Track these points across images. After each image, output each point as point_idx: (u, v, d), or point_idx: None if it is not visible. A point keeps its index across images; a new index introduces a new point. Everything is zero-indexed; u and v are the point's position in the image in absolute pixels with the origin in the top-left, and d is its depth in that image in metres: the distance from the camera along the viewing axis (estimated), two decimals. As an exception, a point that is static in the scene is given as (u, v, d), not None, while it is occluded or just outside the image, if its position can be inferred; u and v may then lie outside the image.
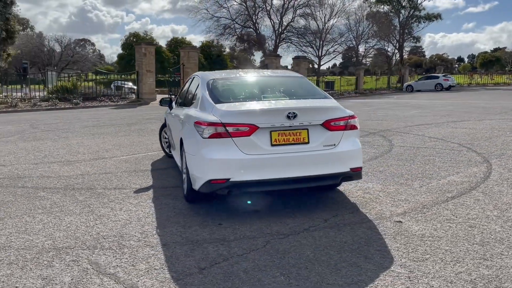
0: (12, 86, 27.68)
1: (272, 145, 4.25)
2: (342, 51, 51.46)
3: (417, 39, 55.64)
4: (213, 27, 47.20)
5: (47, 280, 3.11)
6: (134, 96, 25.92)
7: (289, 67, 46.43)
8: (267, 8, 46.70)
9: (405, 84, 39.76)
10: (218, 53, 66.44)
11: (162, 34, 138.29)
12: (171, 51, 62.47)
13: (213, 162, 4.17)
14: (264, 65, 29.47)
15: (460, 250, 3.54)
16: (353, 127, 4.60)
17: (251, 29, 48.98)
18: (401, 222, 4.25)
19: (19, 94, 23.48)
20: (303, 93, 5.10)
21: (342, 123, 4.48)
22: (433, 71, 67.31)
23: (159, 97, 28.04)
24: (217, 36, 48.29)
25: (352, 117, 4.59)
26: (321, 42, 47.13)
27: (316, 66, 51.29)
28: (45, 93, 23.89)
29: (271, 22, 47.33)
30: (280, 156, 4.24)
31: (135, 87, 25.94)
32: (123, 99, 24.74)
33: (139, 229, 4.11)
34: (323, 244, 3.70)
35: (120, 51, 66.57)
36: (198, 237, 3.91)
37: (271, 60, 29.11)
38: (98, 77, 32.76)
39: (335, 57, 49.97)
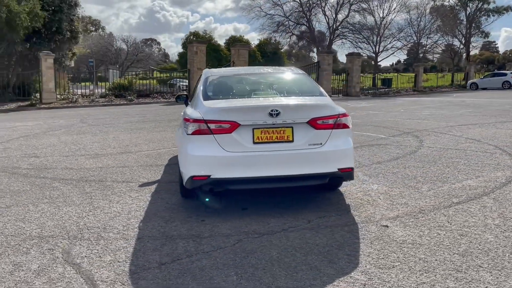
0: (83, 83, 29.56)
1: (254, 142, 4.20)
2: (402, 47, 49.47)
3: (486, 34, 52.26)
4: (266, 24, 47.39)
5: (17, 266, 3.30)
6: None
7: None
8: (322, 4, 46.03)
9: (469, 82, 37.50)
10: (274, 50, 66.62)
11: (225, 33, 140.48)
12: (229, 50, 63.44)
13: (195, 159, 4.21)
14: (316, 63, 29.07)
15: (436, 260, 3.30)
16: (344, 126, 4.43)
17: (305, 26, 48.52)
18: (387, 226, 4.04)
19: (85, 91, 25.02)
20: (297, 91, 5.00)
21: (330, 121, 4.33)
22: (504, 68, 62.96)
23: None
24: (271, 33, 48.30)
25: (343, 115, 4.42)
26: (378, 38, 45.68)
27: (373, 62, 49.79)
28: (104, 90, 25.24)
29: (325, 18, 46.64)
30: (263, 154, 4.19)
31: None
32: (174, 96, 25.48)
33: (124, 222, 4.24)
34: (293, 245, 3.61)
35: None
36: (175, 232, 3.96)
37: (323, 57, 28.63)
38: (160, 75, 33.87)
39: (393, 53, 48.13)
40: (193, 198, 4.88)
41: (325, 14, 46.52)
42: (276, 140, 4.23)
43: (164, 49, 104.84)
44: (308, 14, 46.66)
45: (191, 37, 70.95)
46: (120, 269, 3.23)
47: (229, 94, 4.81)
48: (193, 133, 4.22)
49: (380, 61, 49.24)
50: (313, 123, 4.28)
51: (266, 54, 65.33)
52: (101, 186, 5.61)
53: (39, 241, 3.79)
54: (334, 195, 5.02)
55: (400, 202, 4.74)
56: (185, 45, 69.69)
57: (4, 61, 24.88)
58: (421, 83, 35.43)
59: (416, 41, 51.46)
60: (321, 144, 4.31)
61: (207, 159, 4.17)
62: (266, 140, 4.21)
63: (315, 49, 61.71)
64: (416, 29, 49.42)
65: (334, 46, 46.01)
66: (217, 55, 49.70)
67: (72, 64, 29.14)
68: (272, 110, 4.16)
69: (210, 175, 4.16)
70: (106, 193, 5.27)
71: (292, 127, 4.25)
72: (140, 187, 5.54)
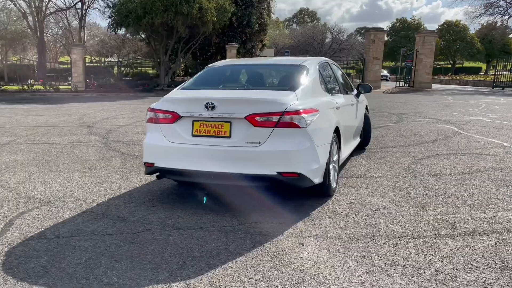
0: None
1: (193, 135, 4.10)
2: None
3: None
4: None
5: None
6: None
7: None
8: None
9: None
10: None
11: (454, 17, 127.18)
12: (440, 36, 57.84)
13: (145, 146, 4.37)
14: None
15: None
16: (292, 125, 3.89)
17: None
18: (302, 244, 3.45)
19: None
20: (272, 84, 4.57)
21: (272, 118, 3.87)
22: None
23: (387, 85, 27.01)
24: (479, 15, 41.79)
25: (291, 113, 3.88)
26: None
27: None
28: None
29: None
30: (199, 147, 4.06)
31: (387, 75, 25.69)
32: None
33: (82, 197, 4.71)
34: (183, 245, 3.44)
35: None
36: (115, 212, 4.22)
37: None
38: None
39: None
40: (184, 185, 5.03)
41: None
42: (213, 134, 4.03)
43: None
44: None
45: (398, 24, 67.57)
46: (29, 231, 3.71)
47: (202, 85, 4.74)
48: (148, 121, 4.38)
49: None
50: (251, 120, 3.90)
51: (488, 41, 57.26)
52: (126, 161, 6.25)
53: (7, 204, 4.60)
54: (319, 203, 4.44)
55: (370, 223, 3.92)
56: (390, 32, 66.84)
57: (205, 52, 28.76)
58: None
59: None
60: (259, 143, 3.91)
61: (153, 147, 4.29)
62: (204, 134, 4.06)
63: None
64: None
65: None
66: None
67: (262, 54, 31.49)
68: (207, 103, 3.98)
69: (154, 163, 4.28)
70: (120, 167, 5.87)
71: (230, 122, 3.98)
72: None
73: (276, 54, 54.97)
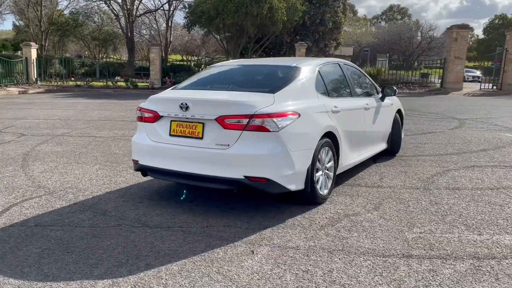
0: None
1: (170, 135, 4.15)
2: None
3: None
4: None
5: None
6: (437, 84, 24.23)
7: None
8: None
9: None
10: None
11: None
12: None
13: (132, 144, 4.53)
14: None
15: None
16: (261, 128, 3.77)
17: None
18: (252, 252, 3.35)
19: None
20: (258, 85, 4.44)
21: (242, 121, 3.79)
22: None
23: (472, 87, 24.97)
24: None
25: (261, 116, 3.76)
26: None
27: None
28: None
29: None
30: (175, 147, 4.10)
31: (479, 76, 23.82)
32: (424, 87, 23.65)
33: (84, 189, 4.98)
34: (135, 241, 3.53)
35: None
36: (102, 204, 4.43)
37: None
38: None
39: None
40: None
41: None
42: (188, 135, 4.05)
43: (477, 35, 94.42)
44: None
45: (496, 20, 62.10)
46: (17, 217, 4.03)
47: (193, 85, 4.76)
48: (137, 119, 4.53)
49: None
50: (221, 122, 3.86)
51: None
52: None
53: (10, 188, 5.01)
54: (301, 210, 4.29)
55: (341, 236, 3.68)
56: (487, 30, 61.60)
57: (277, 51, 28.86)
58: None
59: None
60: (228, 145, 3.85)
61: (137, 145, 4.42)
62: (180, 134, 4.10)
63: None
64: None
65: None
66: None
67: (334, 52, 30.78)
68: (181, 103, 4.01)
69: (138, 161, 4.41)
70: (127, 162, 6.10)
71: (203, 124, 3.97)
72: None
73: (356, 53, 53.43)
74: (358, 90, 5.73)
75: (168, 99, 4.27)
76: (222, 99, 4.08)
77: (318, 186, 4.35)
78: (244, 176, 3.80)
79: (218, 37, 26.03)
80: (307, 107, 4.24)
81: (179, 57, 47.82)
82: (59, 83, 25.21)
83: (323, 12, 26.79)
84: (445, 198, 4.67)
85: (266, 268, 3.10)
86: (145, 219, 4.04)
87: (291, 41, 27.05)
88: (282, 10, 22.37)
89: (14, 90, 21.10)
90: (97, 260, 3.21)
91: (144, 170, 4.39)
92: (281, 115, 3.86)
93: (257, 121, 3.77)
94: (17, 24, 47.21)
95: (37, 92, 21.42)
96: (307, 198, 4.28)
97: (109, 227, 3.85)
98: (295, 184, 4.03)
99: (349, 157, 5.10)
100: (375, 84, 6.35)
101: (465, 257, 3.27)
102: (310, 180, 4.16)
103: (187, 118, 4.03)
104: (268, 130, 3.78)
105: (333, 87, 5.13)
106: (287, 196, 4.32)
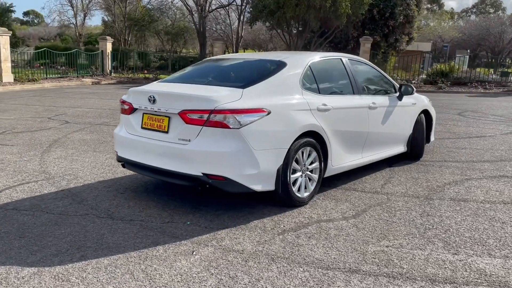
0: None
1: (142, 127, 4.13)
2: None
3: None
4: None
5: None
6: (518, 83, 21.99)
7: None
8: None
9: None
10: None
11: None
12: None
13: (114, 135, 4.58)
14: None
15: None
16: (221, 125, 3.61)
17: None
18: (192, 253, 3.23)
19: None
20: (235, 79, 4.26)
21: (204, 116, 3.66)
22: None
23: None
24: None
25: (222, 111, 3.60)
26: None
27: None
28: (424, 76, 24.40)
29: None
30: (145, 140, 4.07)
31: None
32: (502, 86, 21.60)
33: (81, 176, 5.14)
34: (91, 231, 3.58)
35: None
36: (83, 194, 4.57)
37: None
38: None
39: None
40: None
41: None
42: (156, 128, 4.01)
43: None
44: None
45: None
46: (2, 201, 4.27)
47: (177, 79, 4.69)
48: (120, 112, 4.58)
49: None
50: (183, 116, 3.76)
51: None
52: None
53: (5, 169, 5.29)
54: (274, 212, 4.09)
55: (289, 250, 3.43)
56: None
57: (344, 46, 28.04)
58: None
59: None
60: (189, 141, 3.75)
61: (116, 137, 4.47)
62: (149, 127, 4.07)
63: None
64: None
65: None
66: None
67: (405, 48, 29.06)
68: (150, 96, 3.97)
69: (117, 152, 4.46)
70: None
71: (169, 117, 3.90)
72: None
73: (438, 49, 50.21)
74: (366, 88, 5.32)
75: (141, 91, 4.25)
76: (185, 93, 3.98)
77: (294, 189, 4.11)
78: (202, 173, 3.69)
79: (281, 31, 25.81)
80: (283, 104, 4.00)
81: (251, 51, 48.31)
82: (130, 75, 26.62)
83: (394, 5, 25.43)
84: (441, 210, 4.20)
85: (194, 270, 2.97)
86: (114, 211, 4.08)
87: (358, 36, 26.06)
88: (346, 2, 21.58)
89: (88, 80, 22.59)
90: (40, 247, 3.28)
91: (122, 161, 4.44)
92: (245, 111, 3.67)
93: (217, 117, 3.63)
94: (106, 19, 50.69)
95: (108, 83, 22.74)
96: (280, 200, 4.07)
97: (76, 216, 3.93)
98: (262, 185, 3.83)
99: (345, 159, 4.76)
100: (394, 83, 5.85)
101: (418, 278, 2.89)
102: (282, 181, 3.94)
103: (155, 111, 4.00)
104: (228, 127, 3.62)
105: (328, 84, 4.81)
106: (271, 197, 4.16)
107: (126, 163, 4.38)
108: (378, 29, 26.18)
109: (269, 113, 3.81)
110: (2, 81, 17.75)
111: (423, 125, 6.20)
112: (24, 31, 57.60)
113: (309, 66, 4.51)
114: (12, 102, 12.44)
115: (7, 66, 18.41)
